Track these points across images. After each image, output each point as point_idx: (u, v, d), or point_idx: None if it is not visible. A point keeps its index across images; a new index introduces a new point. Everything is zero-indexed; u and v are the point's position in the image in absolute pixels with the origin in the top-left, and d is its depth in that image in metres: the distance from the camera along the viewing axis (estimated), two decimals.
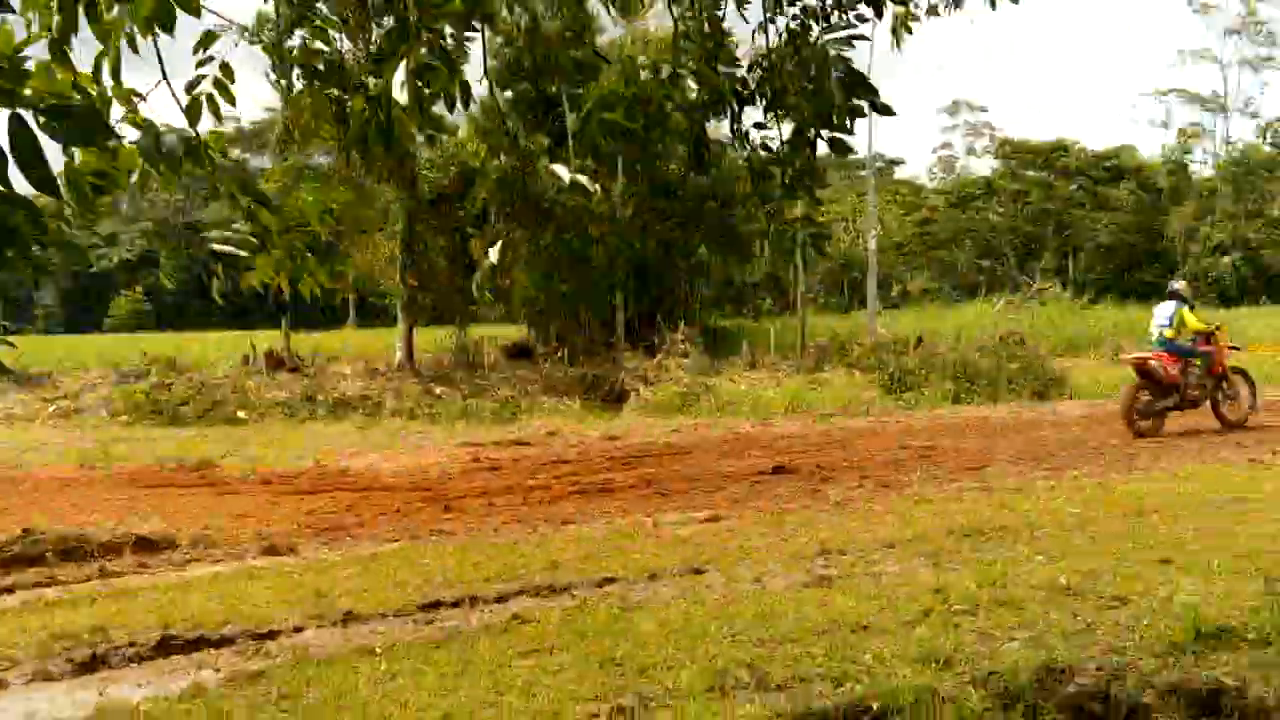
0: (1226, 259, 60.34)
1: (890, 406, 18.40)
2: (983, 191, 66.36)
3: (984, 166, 74.30)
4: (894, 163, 75.38)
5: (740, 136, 4.30)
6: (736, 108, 4.23)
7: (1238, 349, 15.42)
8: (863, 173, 36.10)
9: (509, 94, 27.18)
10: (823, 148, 4.14)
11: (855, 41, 3.99)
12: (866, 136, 34.08)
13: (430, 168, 25.21)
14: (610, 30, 27.58)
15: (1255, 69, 72.73)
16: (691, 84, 4.05)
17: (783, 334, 28.54)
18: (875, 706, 4.46)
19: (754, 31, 4.21)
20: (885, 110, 4.06)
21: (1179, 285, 14.94)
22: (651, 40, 24.83)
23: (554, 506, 9.86)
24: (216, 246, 3.37)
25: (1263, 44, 71.68)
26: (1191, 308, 14.54)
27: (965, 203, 66.29)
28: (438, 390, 20.42)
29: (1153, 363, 13.74)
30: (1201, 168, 73.17)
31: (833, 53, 3.96)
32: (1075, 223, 63.46)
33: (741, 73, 4.22)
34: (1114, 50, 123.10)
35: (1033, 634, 5.27)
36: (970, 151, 78.61)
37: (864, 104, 4.06)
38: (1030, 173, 63.74)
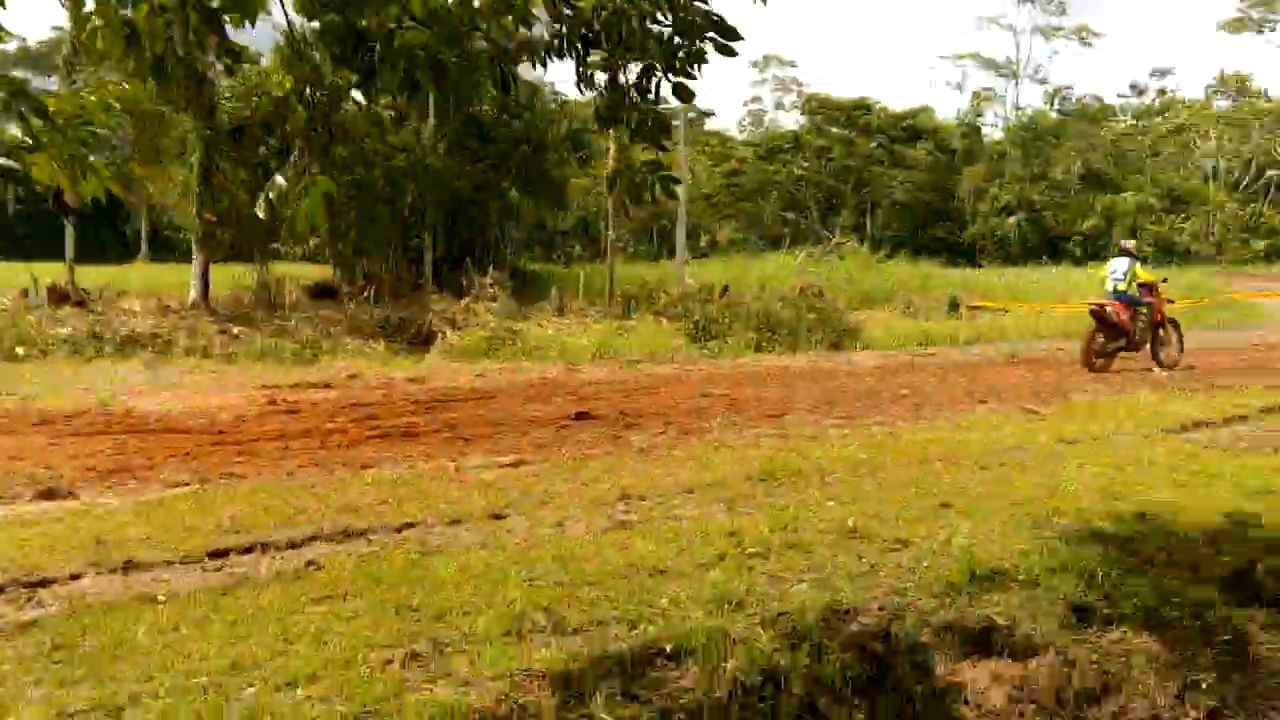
0: (1012, 219, 63.80)
1: (695, 354, 18.71)
2: (790, 146, 67.92)
3: (791, 121, 76.05)
4: (704, 114, 76.22)
5: (586, 79, 4.25)
6: (581, 49, 4.17)
7: (1173, 301, 17.45)
8: (675, 123, 36.32)
9: (315, 25, 26.13)
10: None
11: None
12: None
13: (230, 97, 24.10)
14: None
15: (1046, 37, 76.46)
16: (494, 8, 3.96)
17: (592, 280, 28.62)
18: (668, 648, 4.56)
19: None
20: (729, 51, 4.09)
21: (1129, 244, 17.13)
22: None
23: (353, 450, 9.66)
24: None
25: (1054, 13, 75.38)
26: (1142, 262, 16.98)
27: (773, 156, 67.75)
28: (235, 330, 19.66)
29: (1108, 309, 16.04)
30: (993, 131, 76.83)
31: None
32: (874, 180, 65.81)
33: (584, 13, 4.16)
34: (917, 11, 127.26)
35: (820, 576, 5.49)
36: (779, 106, 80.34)
37: (708, 48, 4.07)
38: (834, 129, 65.53)
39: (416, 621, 4.86)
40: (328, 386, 13.93)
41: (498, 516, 6.94)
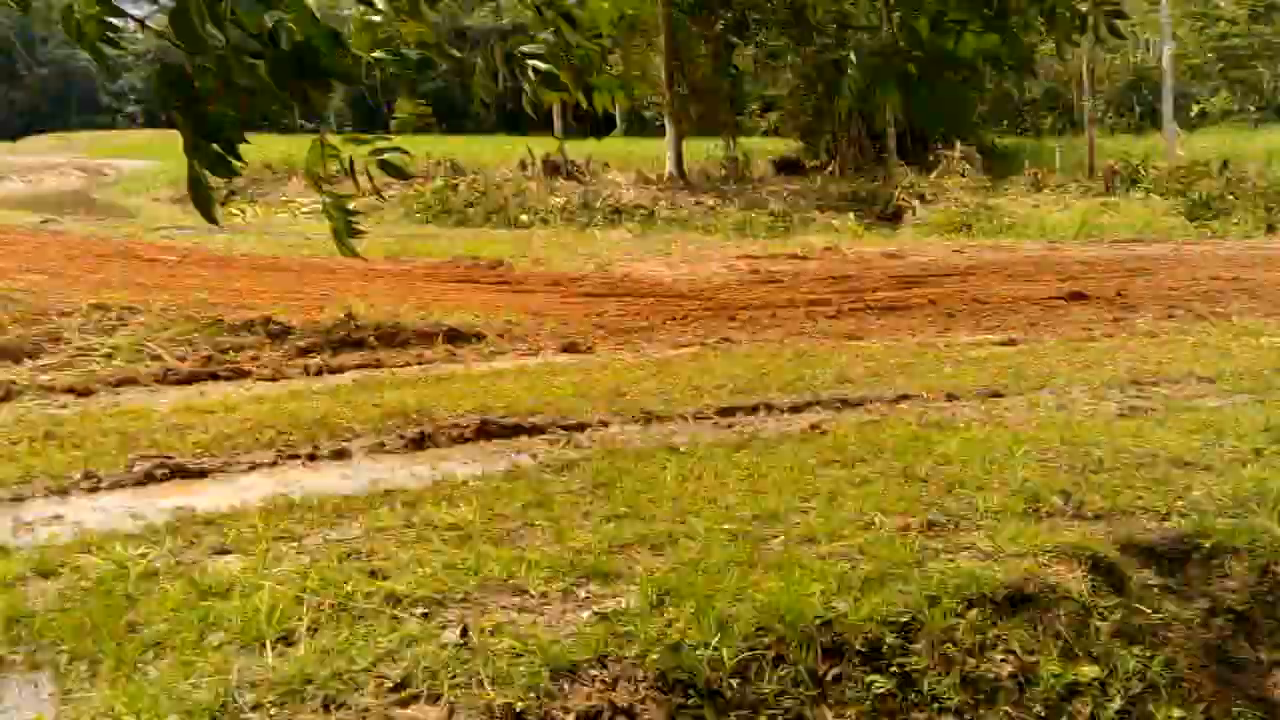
0: None
1: (1193, 235, 17.10)
2: None
3: None
4: None
5: None
6: None
7: None
8: None
9: None
10: None
11: None
12: None
13: None
14: None
15: None
16: None
17: (1067, 154, 26.86)
18: (1206, 545, 4.25)
19: None
20: None
21: None
22: None
23: (837, 321, 9.76)
24: (533, 63, 3.24)
25: None
26: None
27: (1270, 14, 59.47)
28: (710, 202, 20.43)
29: None
30: None
31: None
32: None
33: None
34: None
35: None
36: None
37: None
38: None
39: (925, 492, 4.81)
40: (804, 258, 14.13)
41: (994, 395, 6.75)
